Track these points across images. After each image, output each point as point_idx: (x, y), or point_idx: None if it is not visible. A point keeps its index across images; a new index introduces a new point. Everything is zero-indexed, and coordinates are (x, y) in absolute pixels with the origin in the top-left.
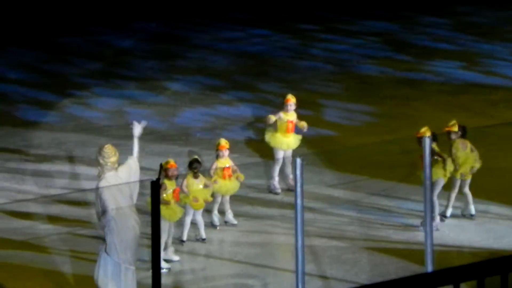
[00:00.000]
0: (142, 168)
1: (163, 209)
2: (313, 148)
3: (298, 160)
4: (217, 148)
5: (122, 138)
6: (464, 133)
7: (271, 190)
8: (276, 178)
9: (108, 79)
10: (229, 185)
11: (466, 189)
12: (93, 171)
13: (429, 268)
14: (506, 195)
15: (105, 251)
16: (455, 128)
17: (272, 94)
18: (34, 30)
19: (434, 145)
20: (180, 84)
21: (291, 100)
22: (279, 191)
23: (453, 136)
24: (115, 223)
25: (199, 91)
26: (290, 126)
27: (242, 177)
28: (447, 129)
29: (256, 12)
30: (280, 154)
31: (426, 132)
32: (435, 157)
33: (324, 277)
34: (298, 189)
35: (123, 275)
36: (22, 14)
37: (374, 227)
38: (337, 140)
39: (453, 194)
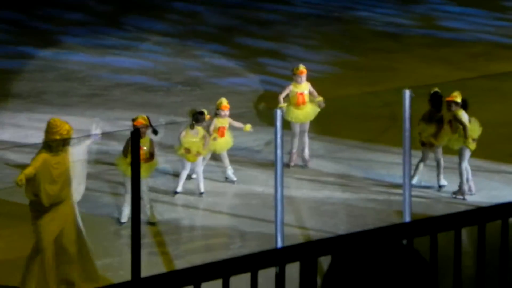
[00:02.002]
0: (121, 119)
1: (124, 165)
2: None
3: (278, 111)
4: (218, 108)
5: (104, 89)
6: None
7: (287, 164)
8: (294, 150)
9: (90, 28)
10: (221, 141)
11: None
12: (74, 119)
13: (407, 220)
14: (484, 148)
15: None
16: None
17: (258, 40)
18: None
19: (460, 112)
20: (162, 34)
21: (303, 72)
22: (292, 164)
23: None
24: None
25: (180, 41)
26: (301, 98)
27: (248, 127)
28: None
29: None
30: (295, 127)
31: (457, 96)
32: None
33: (303, 228)
34: (278, 140)
35: None
36: None
37: (353, 179)
38: (317, 92)
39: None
